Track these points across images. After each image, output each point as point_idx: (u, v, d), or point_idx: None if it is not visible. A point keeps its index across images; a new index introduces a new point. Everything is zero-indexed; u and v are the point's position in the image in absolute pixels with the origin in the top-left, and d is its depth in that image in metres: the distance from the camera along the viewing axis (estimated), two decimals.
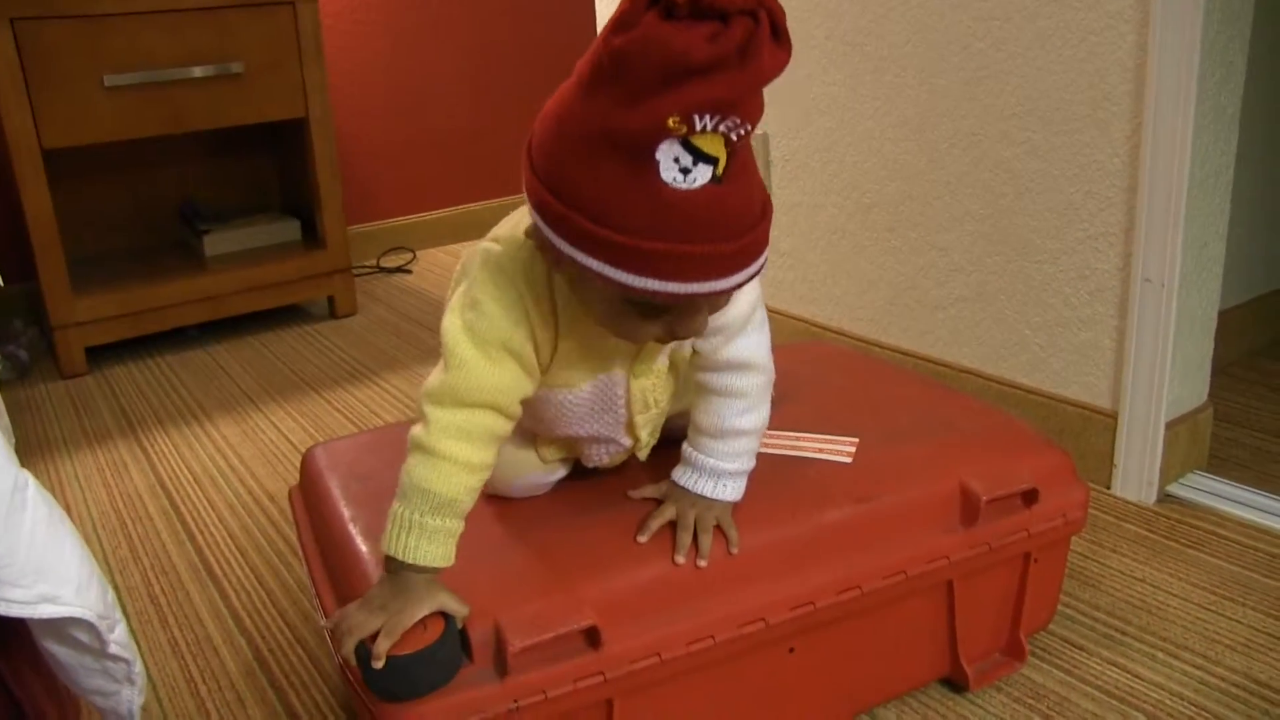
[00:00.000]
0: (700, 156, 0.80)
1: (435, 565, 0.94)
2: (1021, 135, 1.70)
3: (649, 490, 1.11)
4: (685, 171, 0.80)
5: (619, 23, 0.77)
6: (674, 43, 0.75)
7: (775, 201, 2.20)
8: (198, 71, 2.44)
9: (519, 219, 0.98)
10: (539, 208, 0.87)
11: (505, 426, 0.98)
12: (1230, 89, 1.54)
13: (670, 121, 0.77)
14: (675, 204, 0.81)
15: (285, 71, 2.57)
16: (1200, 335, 1.65)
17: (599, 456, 1.14)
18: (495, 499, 1.14)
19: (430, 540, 0.93)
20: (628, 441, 1.12)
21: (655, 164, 0.80)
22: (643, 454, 1.16)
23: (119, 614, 0.93)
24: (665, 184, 0.80)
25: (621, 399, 1.07)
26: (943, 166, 1.85)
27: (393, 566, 0.95)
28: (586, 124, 0.81)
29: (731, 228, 0.84)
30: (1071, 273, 1.68)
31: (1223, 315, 1.74)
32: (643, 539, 1.05)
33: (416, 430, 0.95)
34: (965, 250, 1.84)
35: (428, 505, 0.93)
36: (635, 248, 0.82)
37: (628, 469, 1.18)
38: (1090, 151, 1.62)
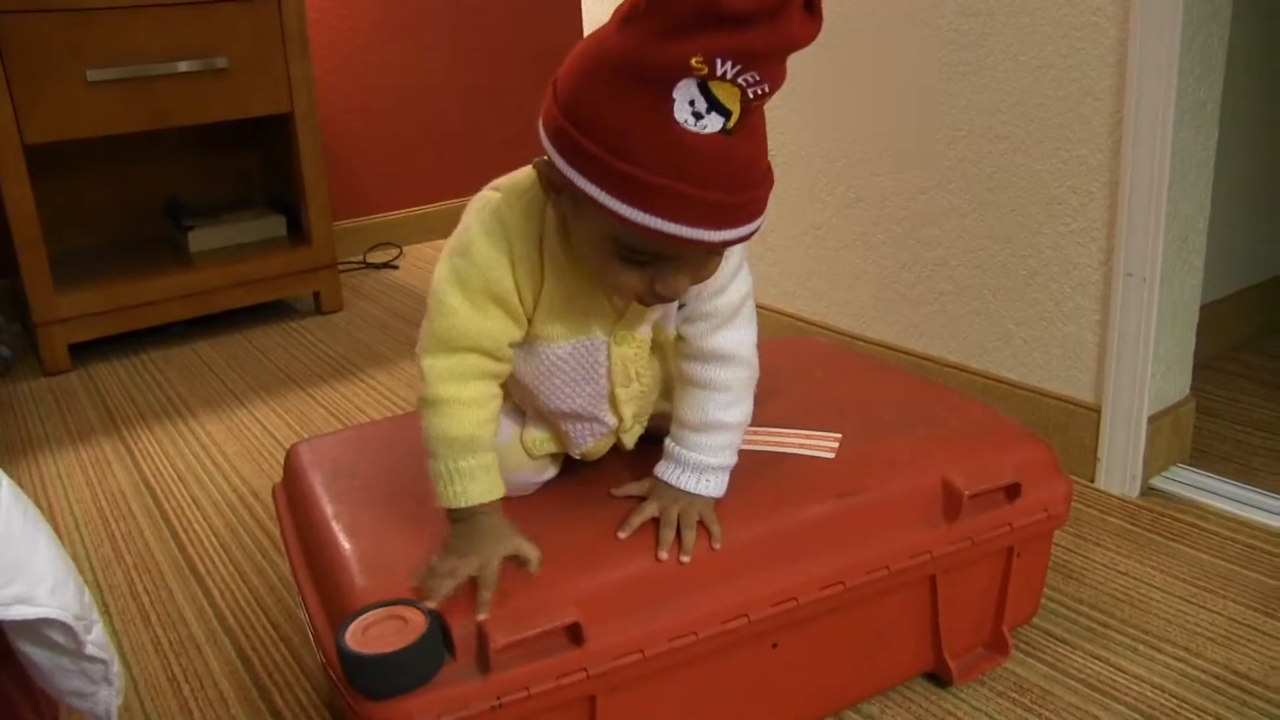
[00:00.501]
0: (715, 104, 0.83)
1: (487, 499, 1.00)
2: (1004, 130, 1.71)
3: (632, 487, 1.11)
4: (698, 115, 0.83)
5: None
6: None
7: None
8: (182, 66, 2.43)
9: (523, 172, 1.00)
10: (554, 134, 0.88)
11: (498, 367, 1.02)
12: (1210, 84, 1.54)
13: (693, 61, 0.80)
14: (682, 143, 0.83)
15: (270, 66, 2.57)
16: (1182, 329, 1.66)
17: (583, 439, 1.13)
18: None
19: (471, 480, 0.99)
20: (611, 420, 1.12)
21: (671, 101, 0.82)
22: (628, 438, 1.16)
23: (96, 614, 0.93)
24: (677, 123, 0.82)
25: (603, 366, 1.07)
26: (926, 162, 1.85)
27: (455, 515, 1.00)
28: (615, 54, 0.83)
29: (732, 180, 0.86)
30: (1054, 267, 1.69)
31: (1205, 309, 1.75)
32: (624, 535, 1.05)
33: (420, 387, 1.00)
34: (949, 245, 1.85)
35: (453, 452, 0.99)
36: (636, 178, 0.84)
37: (611, 467, 1.17)
38: (1072, 146, 1.62)
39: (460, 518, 1.00)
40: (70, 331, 2.44)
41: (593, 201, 0.86)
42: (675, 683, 1.05)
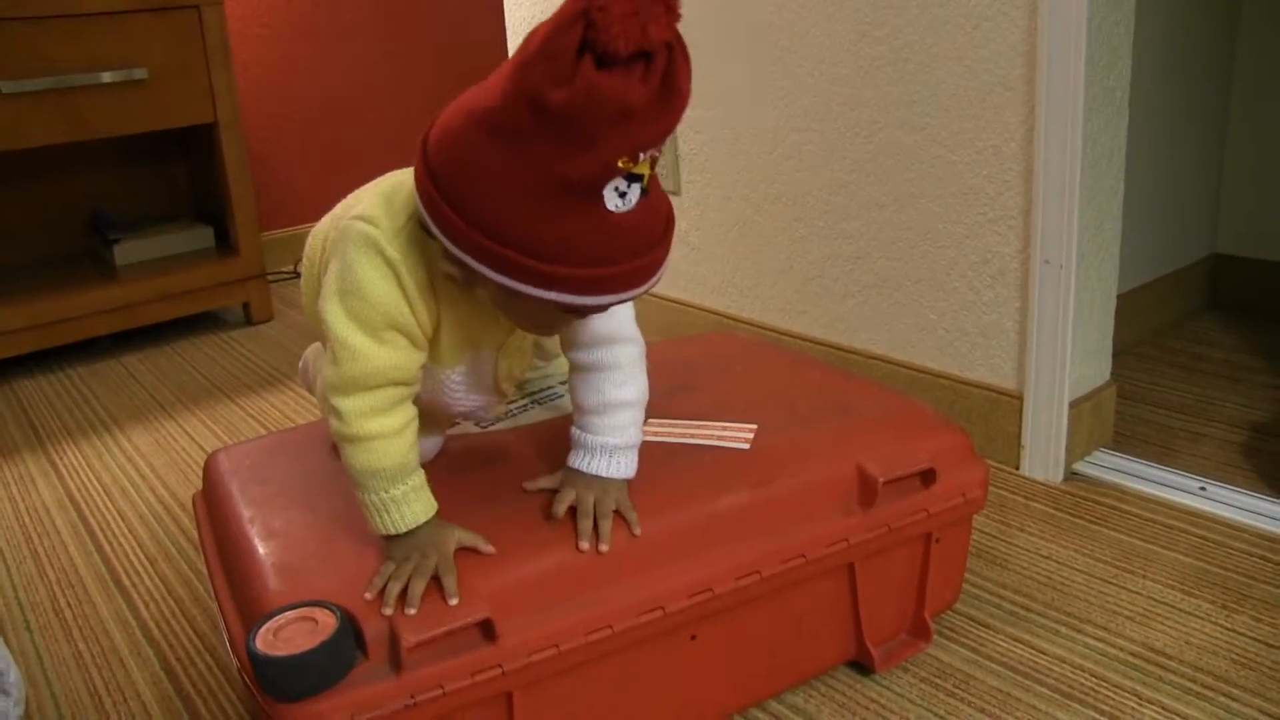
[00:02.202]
0: (634, 179, 0.85)
1: (425, 518, 1.01)
2: (920, 122, 1.72)
3: (544, 481, 1.11)
4: (623, 195, 0.85)
5: (553, 76, 0.79)
6: (616, 92, 0.79)
7: (684, 195, 2.21)
8: (102, 77, 2.40)
9: (382, 193, 1.00)
10: (471, 250, 0.88)
11: (410, 390, 1.03)
12: (1118, 73, 1.56)
13: (620, 162, 0.82)
14: (619, 226, 0.86)
15: (192, 76, 2.54)
16: (1100, 315, 1.68)
17: (475, 422, 1.22)
18: None
19: (406, 504, 1.00)
20: (498, 404, 1.20)
21: (601, 199, 0.84)
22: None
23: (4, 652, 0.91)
24: (609, 212, 0.85)
25: (490, 374, 1.12)
26: (845, 155, 1.86)
27: (395, 537, 1.01)
28: (527, 172, 0.83)
29: (659, 230, 0.91)
30: (974, 257, 1.71)
31: (1125, 296, 1.77)
32: (552, 519, 1.06)
33: (334, 425, 1.00)
34: (870, 238, 1.86)
35: (383, 482, 1.00)
36: (589, 276, 0.86)
37: (521, 457, 1.19)
38: (987, 136, 1.64)
39: (400, 534, 1.01)
40: None
41: (542, 299, 0.88)
42: (594, 677, 1.05)
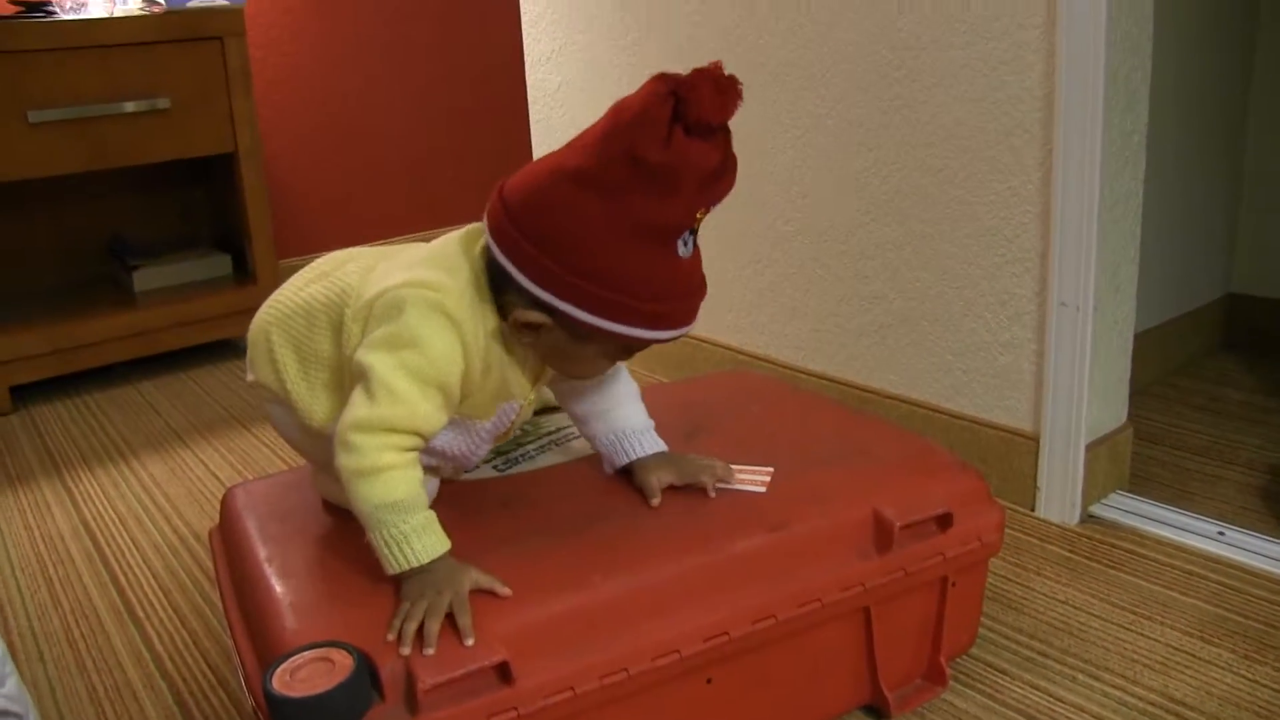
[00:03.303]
0: (694, 231, 1.03)
1: (439, 552, 1.03)
2: (938, 164, 1.73)
3: (659, 487, 1.19)
4: (685, 244, 1.02)
5: (652, 139, 0.95)
6: (702, 155, 0.97)
7: (700, 232, 2.21)
8: (125, 107, 2.43)
9: (430, 262, 1.07)
10: (562, 290, 1.00)
11: (423, 444, 1.07)
12: (1135, 116, 1.57)
13: (698, 214, 1.00)
14: (684, 268, 1.03)
15: (213, 105, 2.56)
16: (1117, 357, 1.68)
17: (452, 471, 1.25)
18: None
19: (419, 538, 1.02)
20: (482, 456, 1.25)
21: (675, 244, 1.01)
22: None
23: (9, 667, 0.92)
24: (680, 258, 1.02)
25: (512, 421, 1.18)
26: (862, 195, 1.87)
27: (409, 573, 1.02)
28: (620, 219, 0.97)
29: (702, 275, 1.07)
30: (990, 298, 1.71)
31: (1141, 336, 1.77)
32: (656, 502, 1.17)
33: (348, 461, 1.02)
34: (886, 278, 1.86)
35: (396, 516, 1.01)
36: (658, 311, 1.01)
37: (536, 500, 1.19)
38: (1004, 178, 1.64)
39: (415, 572, 1.02)
40: (11, 373, 2.41)
41: (613, 334, 1.02)
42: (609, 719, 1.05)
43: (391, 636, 0.97)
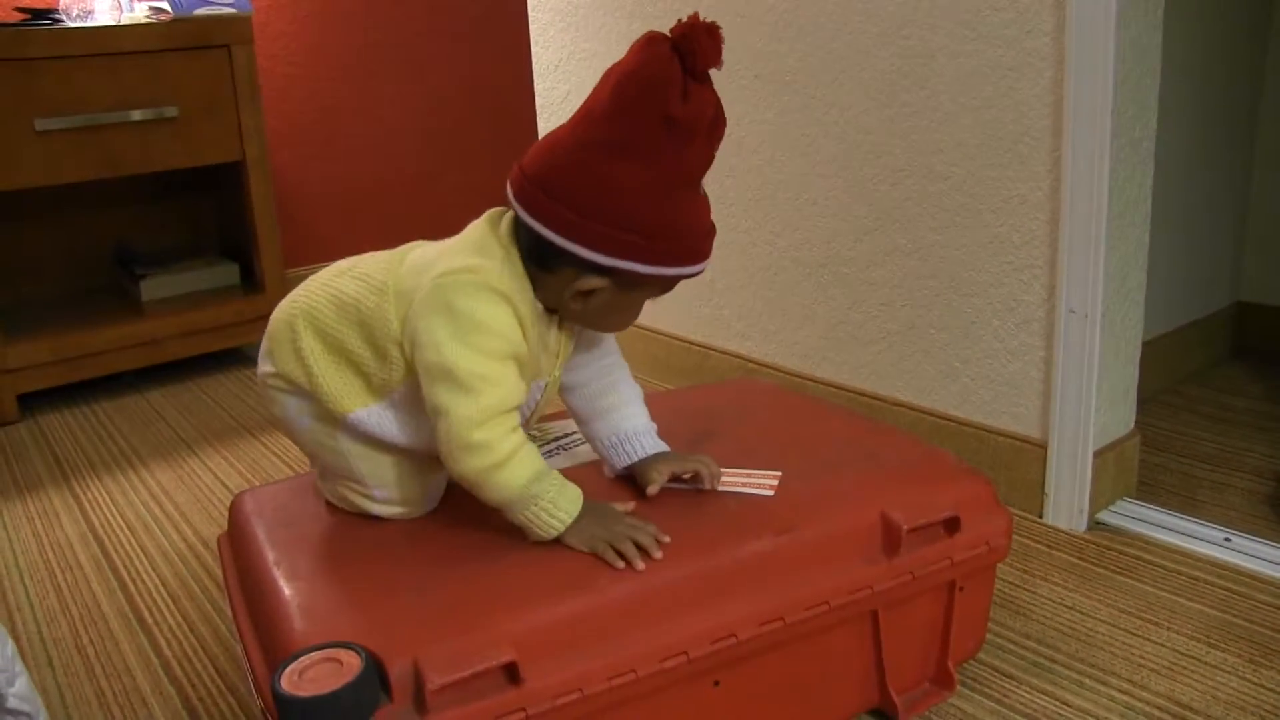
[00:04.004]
0: None
1: (582, 500, 1.11)
2: (946, 171, 1.73)
3: (659, 477, 1.21)
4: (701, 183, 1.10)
5: (673, 96, 1.01)
6: (711, 98, 1.04)
7: None
8: (132, 115, 2.43)
9: (465, 249, 1.12)
10: (620, 249, 1.06)
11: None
12: (1144, 123, 1.57)
13: (715, 153, 1.08)
14: (706, 204, 1.11)
15: (221, 115, 2.57)
16: (1125, 364, 1.68)
17: None
18: (413, 533, 1.16)
19: (568, 488, 1.11)
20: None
21: (699, 186, 1.09)
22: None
23: (20, 666, 0.92)
24: (702, 195, 1.10)
25: (536, 402, 1.21)
26: (871, 202, 1.87)
27: (570, 529, 1.10)
28: (659, 173, 1.04)
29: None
30: (999, 305, 1.71)
31: (1150, 344, 1.77)
32: (654, 491, 1.19)
33: (480, 460, 1.07)
34: (895, 285, 1.86)
35: (544, 481, 1.09)
36: (699, 247, 1.09)
37: None
38: (1013, 185, 1.64)
39: (574, 526, 1.10)
40: (18, 382, 2.42)
41: (663, 276, 1.09)
42: None
43: (621, 565, 1.06)
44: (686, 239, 1.08)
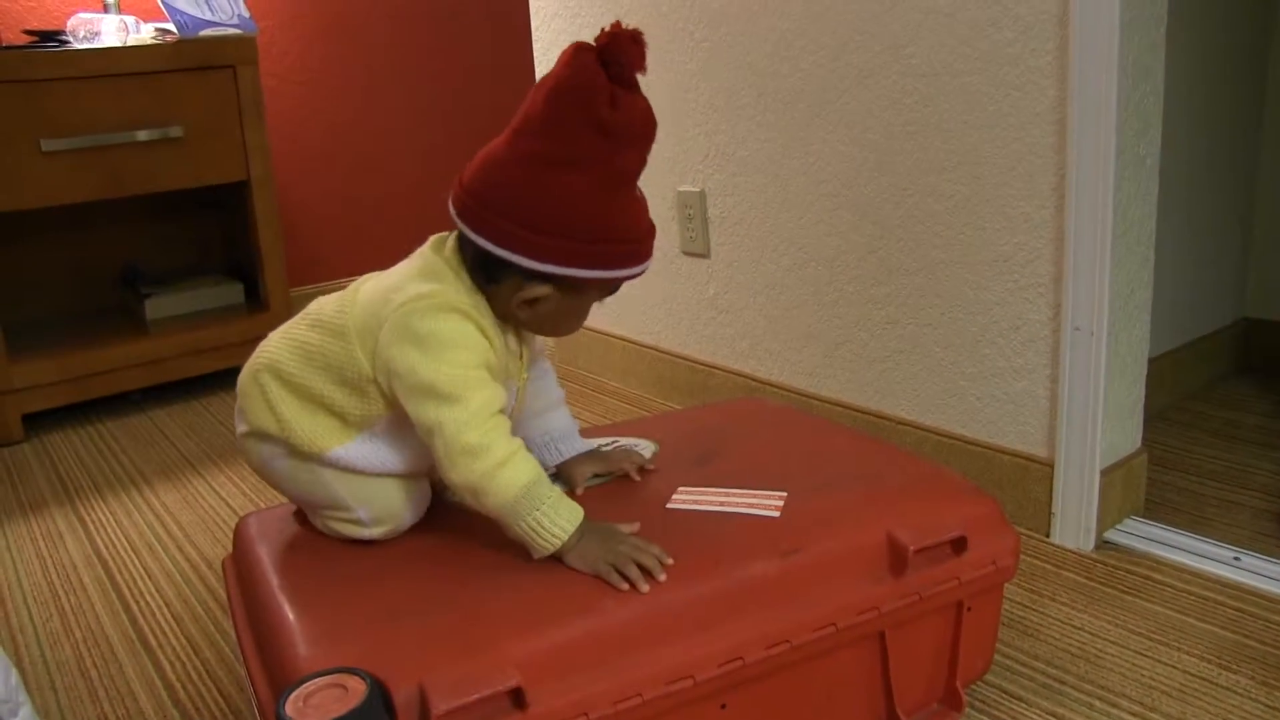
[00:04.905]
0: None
1: (581, 515, 1.10)
2: (950, 189, 1.73)
3: (581, 480, 1.29)
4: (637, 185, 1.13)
5: (606, 103, 1.04)
6: (640, 103, 1.07)
7: (713, 258, 2.22)
8: (137, 136, 2.44)
9: (412, 277, 1.15)
10: (565, 257, 1.09)
11: None
12: (1148, 140, 1.57)
13: (647, 154, 1.11)
14: (643, 205, 1.13)
15: (226, 134, 2.58)
16: (1131, 382, 1.67)
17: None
18: (417, 556, 1.16)
19: (565, 501, 1.10)
20: None
21: (635, 187, 1.12)
22: None
23: (23, 695, 0.91)
24: (639, 197, 1.13)
25: (513, 405, 1.22)
26: (875, 221, 1.87)
27: (569, 549, 1.09)
28: (597, 179, 1.07)
29: None
30: (1004, 323, 1.70)
31: (1155, 361, 1.76)
32: (579, 491, 1.26)
33: (480, 464, 1.07)
34: (900, 303, 1.86)
35: (542, 488, 1.09)
36: (640, 248, 1.13)
37: None
38: (1017, 204, 1.64)
39: (573, 545, 1.09)
40: (23, 401, 2.42)
41: (607, 279, 1.12)
42: None
43: (625, 587, 1.05)
44: (627, 241, 1.12)
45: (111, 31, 2.51)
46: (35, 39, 2.50)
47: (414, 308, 1.10)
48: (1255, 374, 2.35)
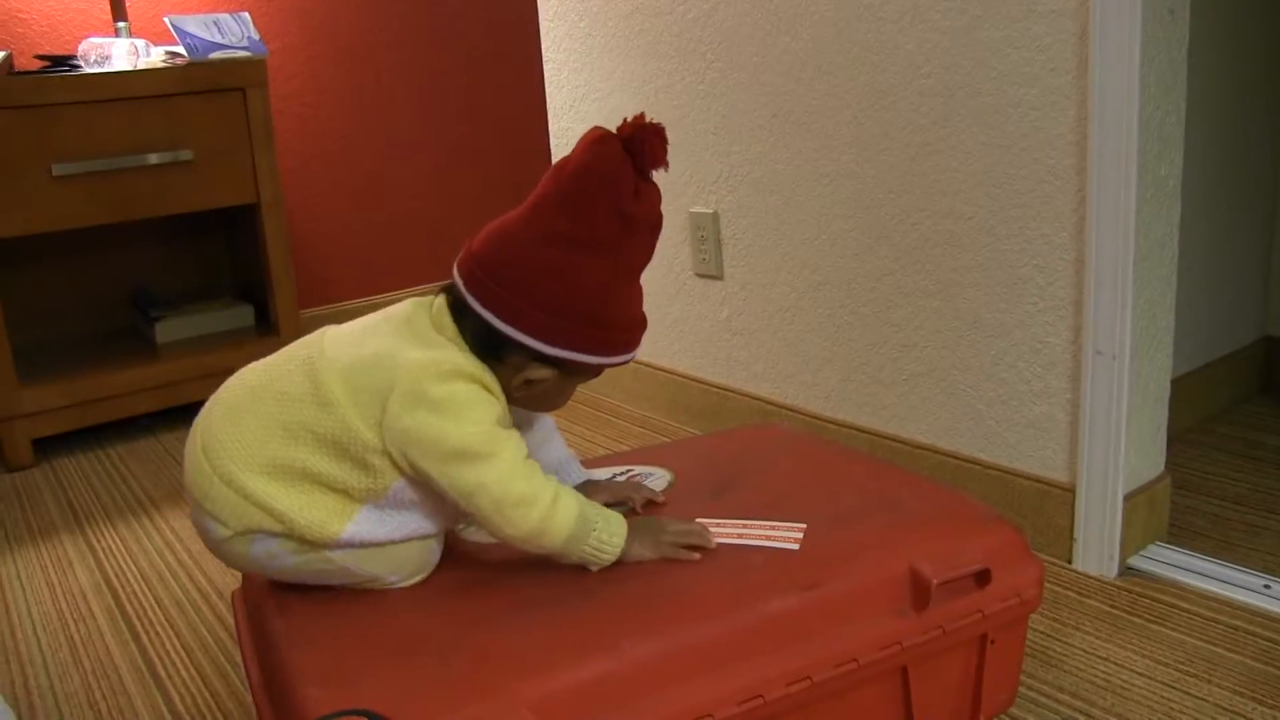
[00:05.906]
0: None
1: (625, 527, 1.14)
2: (968, 211, 1.71)
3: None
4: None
5: (625, 194, 1.07)
6: (656, 197, 1.11)
7: (727, 280, 2.20)
8: (148, 159, 2.43)
9: (412, 341, 1.12)
10: (570, 340, 1.10)
11: None
12: (1170, 161, 1.55)
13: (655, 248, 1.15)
14: (641, 294, 1.16)
15: (236, 157, 2.56)
16: (1154, 405, 1.65)
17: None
18: (429, 596, 1.14)
19: (609, 524, 1.12)
20: None
21: (640, 277, 1.15)
22: None
23: None
24: (640, 285, 1.15)
25: None
26: (891, 242, 1.85)
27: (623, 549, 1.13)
28: (613, 266, 1.09)
29: None
30: (1024, 346, 1.68)
31: (1177, 382, 1.74)
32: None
33: (533, 513, 1.08)
34: (917, 326, 1.84)
35: (591, 511, 1.11)
36: (636, 336, 1.16)
37: (564, 567, 1.15)
38: (1037, 225, 1.62)
39: (629, 545, 1.13)
40: (34, 426, 2.40)
41: (600, 366, 1.15)
42: None
43: (697, 557, 1.14)
44: (630, 329, 1.14)
45: (122, 55, 2.50)
46: (47, 64, 2.49)
47: (423, 375, 1.07)
48: (1277, 393, 2.32)
